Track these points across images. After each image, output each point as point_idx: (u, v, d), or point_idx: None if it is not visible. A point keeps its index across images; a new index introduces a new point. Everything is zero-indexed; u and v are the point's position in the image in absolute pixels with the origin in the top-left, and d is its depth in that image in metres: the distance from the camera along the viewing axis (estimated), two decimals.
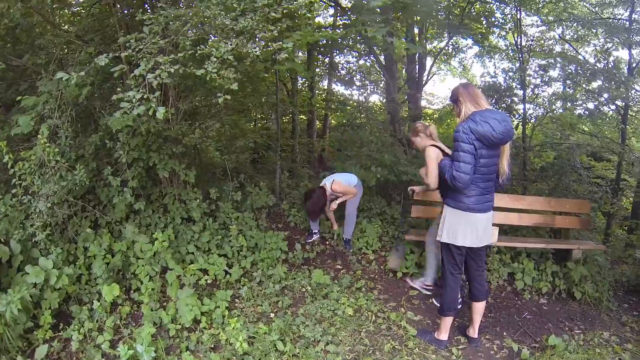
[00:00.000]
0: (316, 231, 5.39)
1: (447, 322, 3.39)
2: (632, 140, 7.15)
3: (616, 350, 3.47)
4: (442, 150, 3.71)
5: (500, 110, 3.47)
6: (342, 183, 5.06)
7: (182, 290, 3.62)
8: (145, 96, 2.75)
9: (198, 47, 3.11)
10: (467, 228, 3.09)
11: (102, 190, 4.19)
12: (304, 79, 7.33)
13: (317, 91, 7.27)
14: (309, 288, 4.19)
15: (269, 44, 3.27)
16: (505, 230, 4.96)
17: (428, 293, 4.31)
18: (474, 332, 3.51)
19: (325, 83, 8.91)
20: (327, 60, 7.79)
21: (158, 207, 4.61)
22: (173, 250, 4.15)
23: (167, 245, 3.97)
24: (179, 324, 3.46)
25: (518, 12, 6.09)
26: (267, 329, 3.37)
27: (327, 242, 5.38)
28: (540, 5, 6.53)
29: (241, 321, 3.41)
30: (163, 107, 2.71)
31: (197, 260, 4.16)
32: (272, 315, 3.75)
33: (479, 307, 3.40)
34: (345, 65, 7.85)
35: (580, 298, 4.29)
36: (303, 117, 8.19)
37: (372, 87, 7.28)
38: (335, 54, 7.52)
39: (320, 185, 5.15)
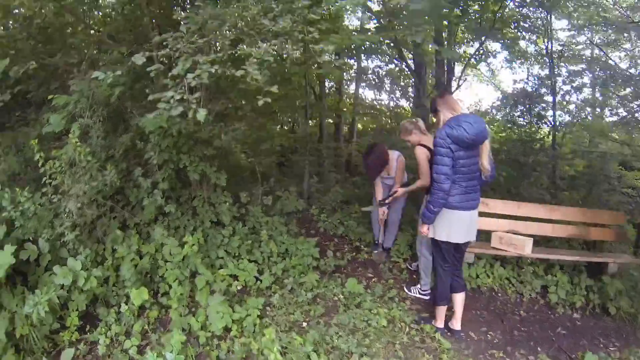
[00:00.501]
0: (379, 241, 5.17)
1: (442, 310, 3.63)
2: None
3: None
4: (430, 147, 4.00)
5: (474, 114, 3.61)
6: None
7: (212, 297, 3.54)
8: (184, 97, 2.67)
9: (238, 48, 3.05)
10: (453, 225, 3.31)
11: (131, 191, 4.12)
12: (331, 83, 7.21)
13: (345, 96, 7.14)
14: (341, 297, 4.08)
15: (309, 45, 3.19)
16: (538, 242, 4.79)
17: (426, 298, 4.24)
18: (457, 323, 3.67)
19: (353, 87, 8.76)
20: (354, 64, 7.63)
21: (187, 210, 4.53)
22: (202, 255, 4.06)
23: (197, 249, 3.89)
24: (209, 331, 3.37)
25: (548, 15, 5.94)
26: (302, 339, 3.26)
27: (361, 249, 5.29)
28: (572, 9, 6.35)
29: (273, 330, 3.31)
30: (204, 109, 2.62)
31: (227, 265, 4.08)
32: (304, 324, 3.65)
33: (459, 298, 3.60)
34: (374, 69, 7.72)
35: (614, 314, 4.15)
36: (330, 121, 8.05)
37: (400, 92, 7.16)
38: (363, 58, 7.37)
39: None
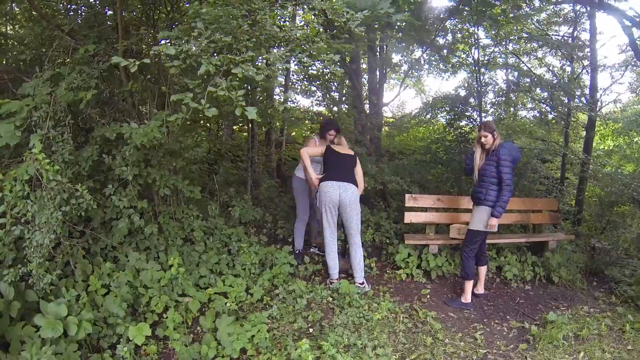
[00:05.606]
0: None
1: (469, 285, 4.35)
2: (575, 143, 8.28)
3: (598, 318, 4.12)
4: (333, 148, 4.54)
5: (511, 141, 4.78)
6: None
7: (220, 319, 3.29)
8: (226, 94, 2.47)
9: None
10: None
11: (95, 212, 3.51)
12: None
13: (275, 103, 6.97)
14: (331, 299, 4.13)
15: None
16: None
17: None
18: (481, 288, 4.59)
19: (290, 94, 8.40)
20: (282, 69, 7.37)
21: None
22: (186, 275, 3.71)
23: (184, 270, 3.55)
24: (223, 356, 3.13)
25: (476, 28, 6.65)
26: (326, 344, 3.25)
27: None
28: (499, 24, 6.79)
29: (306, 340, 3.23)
30: (254, 107, 2.46)
31: (215, 283, 3.79)
32: (310, 330, 3.62)
33: (483, 270, 4.57)
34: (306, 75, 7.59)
35: (557, 281, 4.98)
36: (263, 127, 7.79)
37: (338, 95, 7.25)
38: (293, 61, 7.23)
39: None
